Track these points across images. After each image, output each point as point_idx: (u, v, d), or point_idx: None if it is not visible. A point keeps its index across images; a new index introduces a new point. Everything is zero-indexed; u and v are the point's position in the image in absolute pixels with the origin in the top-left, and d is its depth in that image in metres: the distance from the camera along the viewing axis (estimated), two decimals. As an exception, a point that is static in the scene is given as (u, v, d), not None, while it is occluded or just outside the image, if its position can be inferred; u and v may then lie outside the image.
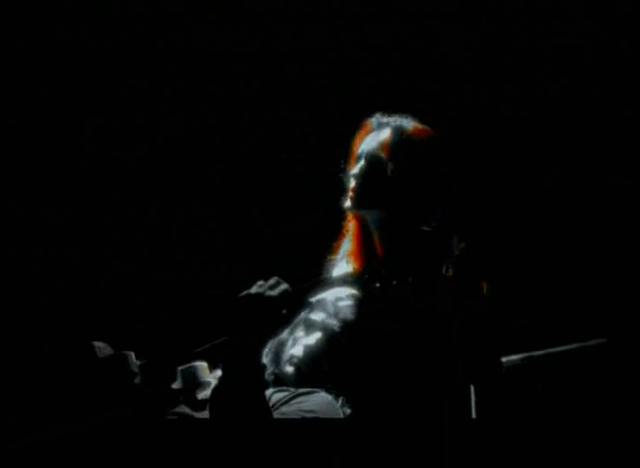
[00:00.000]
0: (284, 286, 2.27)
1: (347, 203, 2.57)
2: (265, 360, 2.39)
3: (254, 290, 2.25)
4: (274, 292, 2.25)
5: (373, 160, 2.55)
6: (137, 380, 2.18)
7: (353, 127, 2.69)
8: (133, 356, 2.21)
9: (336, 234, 2.68)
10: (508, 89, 3.27)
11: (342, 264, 2.60)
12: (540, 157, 3.29)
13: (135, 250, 3.33)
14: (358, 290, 2.45)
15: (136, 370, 2.20)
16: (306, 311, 2.42)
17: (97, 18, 3.29)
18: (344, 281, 2.41)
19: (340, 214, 2.64)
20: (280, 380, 2.40)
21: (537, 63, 3.23)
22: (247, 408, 2.13)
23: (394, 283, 2.31)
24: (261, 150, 3.46)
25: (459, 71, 3.32)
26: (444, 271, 2.40)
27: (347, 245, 2.60)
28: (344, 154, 2.66)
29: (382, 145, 2.55)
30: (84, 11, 3.29)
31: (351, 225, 2.61)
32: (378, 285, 2.33)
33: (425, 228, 2.51)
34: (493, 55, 3.29)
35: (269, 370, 2.42)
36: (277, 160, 3.46)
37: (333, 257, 2.63)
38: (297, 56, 3.38)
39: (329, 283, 2.41)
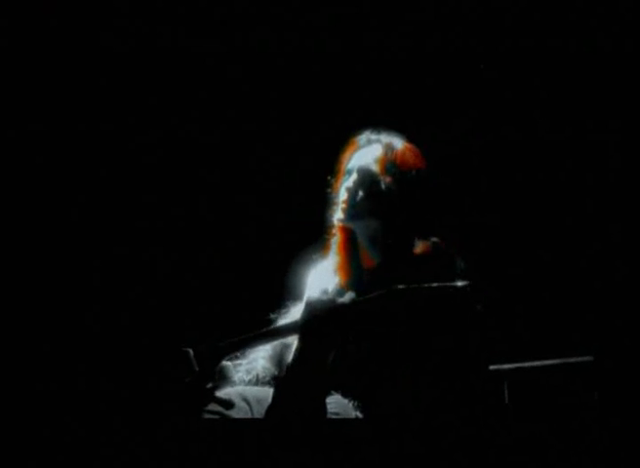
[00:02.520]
0: (351, 294, 2.28)
1: (339, 215, 2.61)
2: (268, 363, 2.44)
3: (324, 297, 2.26)
4: (345, 300, 2.26)
5: (366, 174, 2.60)
6: (187, 379, 2.22)
7: (336, 135, 2.72)
8: (192, 353, 2.24)
9: (315, 243, 2.69)
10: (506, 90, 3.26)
11: (327, 277, 2.61)
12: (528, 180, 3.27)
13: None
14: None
15: (196, 368, 2.24)
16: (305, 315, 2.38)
17: (95, 18, 3.30)
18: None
19: (323, 226, 2.66)
20: None
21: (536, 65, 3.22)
22: (310, 406, 2.18)
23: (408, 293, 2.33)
24: (248, 156, 3.43)
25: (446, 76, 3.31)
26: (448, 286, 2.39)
27: (334, 258, 2.62)
28: (328, 164, 2.70)
29: (376, 160, 2.62)
30: (82, 11, 3.29)
31: (337, 239, 2.64)
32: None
33: (423, 246, 2.55)
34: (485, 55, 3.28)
35: (271, 372, 2.45)
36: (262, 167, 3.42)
37: (311, 269, 2.65)
38: (285, 59, 3.36)
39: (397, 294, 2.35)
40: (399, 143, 2.65)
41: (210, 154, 3.37)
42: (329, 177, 2.68)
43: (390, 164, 2.60)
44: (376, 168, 2.61)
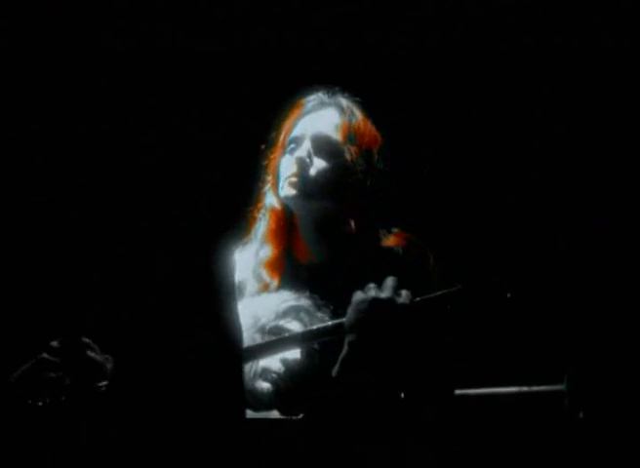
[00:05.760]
0: (407, 292, 1.95)
1: (286, 192, 2.14)
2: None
3: (383, 294, 1.92)
4: (404, 299, 1.94)
5: (324, 142, 2.16)
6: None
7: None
8: None
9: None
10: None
11: (248, 269, 2.16)
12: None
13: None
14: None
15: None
16: (273, 319, 2.06)
17: (95, 18, 3.29)
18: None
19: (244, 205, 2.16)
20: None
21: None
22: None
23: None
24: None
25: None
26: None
27: (262, 249, 2.16)
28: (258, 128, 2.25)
29: (336, 127, 2.17)
30: (82, 11, 3.29)
31: (268, 225, 2.17)
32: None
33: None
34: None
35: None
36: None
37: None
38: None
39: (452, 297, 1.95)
40: (358, 110, 2.21)
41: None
42: (262, 146, 2.22)
43: (353, 133, 2.16)
44: (336, 136, 2.17)
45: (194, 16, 3.29)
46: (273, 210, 2.19)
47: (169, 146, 3.34)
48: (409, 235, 2.19)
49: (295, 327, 2.07)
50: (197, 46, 3.26)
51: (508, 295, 1.99)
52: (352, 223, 2.16)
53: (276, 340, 2.02)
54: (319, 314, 2.08)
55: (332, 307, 2.11)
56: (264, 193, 2.22)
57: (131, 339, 3.19)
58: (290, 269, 2.16)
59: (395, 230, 2.22)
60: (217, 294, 2.07)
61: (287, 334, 2.03)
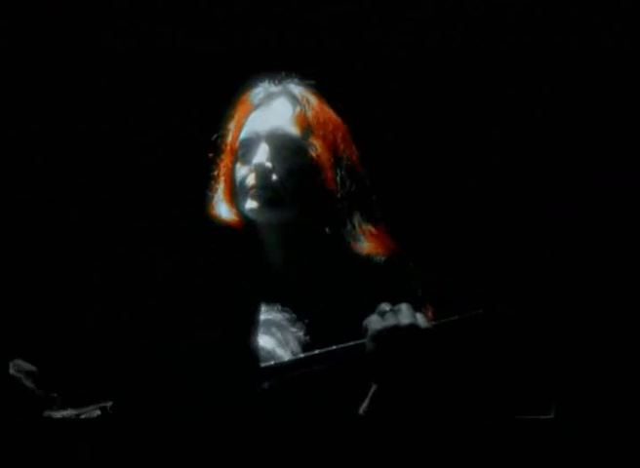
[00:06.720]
0: (422, 315, 1.75)
1: (251, 204, 1.90)
2: None
3: (403, 320, 1.71)
4: (426, 323, 1.73)
5: (284, 141, 1.90)
6: None
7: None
8: None
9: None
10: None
11: None
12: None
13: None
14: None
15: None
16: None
17: (95, 18, 3.30)
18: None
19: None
20: None
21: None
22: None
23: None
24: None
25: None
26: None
27: None
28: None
29: (292, 120, 1.91)
30: (82, 11, 3.29)
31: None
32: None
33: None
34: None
35: None
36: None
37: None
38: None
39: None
40: (313, 95, 1.97)
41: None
42: (211, 155, 2.03)
43: (313, 124, 1.91)
44: (295, 131, 1.90)
45: (194, 16, 3.29)
46: (230, 222, 2.01)
47: (169, 146, 3.35)
48: (389, 241, 1.96)
49: (266, 342, 1.91)
50: (197, 46, 3.26)
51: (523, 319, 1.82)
52: (323, 228, 1.95)
53: (274, 365, 1.84)
54: (293, 329, 1.92)
55: (306, 321, 1.93)
56: (216, 204, 2.02)
57: (131, 339, 3.19)
58: (255, 282, 1.97)
59: (372, 229, 1.96)
60: (225, 293, 2.05)
61: (287, 360, 1.86)
